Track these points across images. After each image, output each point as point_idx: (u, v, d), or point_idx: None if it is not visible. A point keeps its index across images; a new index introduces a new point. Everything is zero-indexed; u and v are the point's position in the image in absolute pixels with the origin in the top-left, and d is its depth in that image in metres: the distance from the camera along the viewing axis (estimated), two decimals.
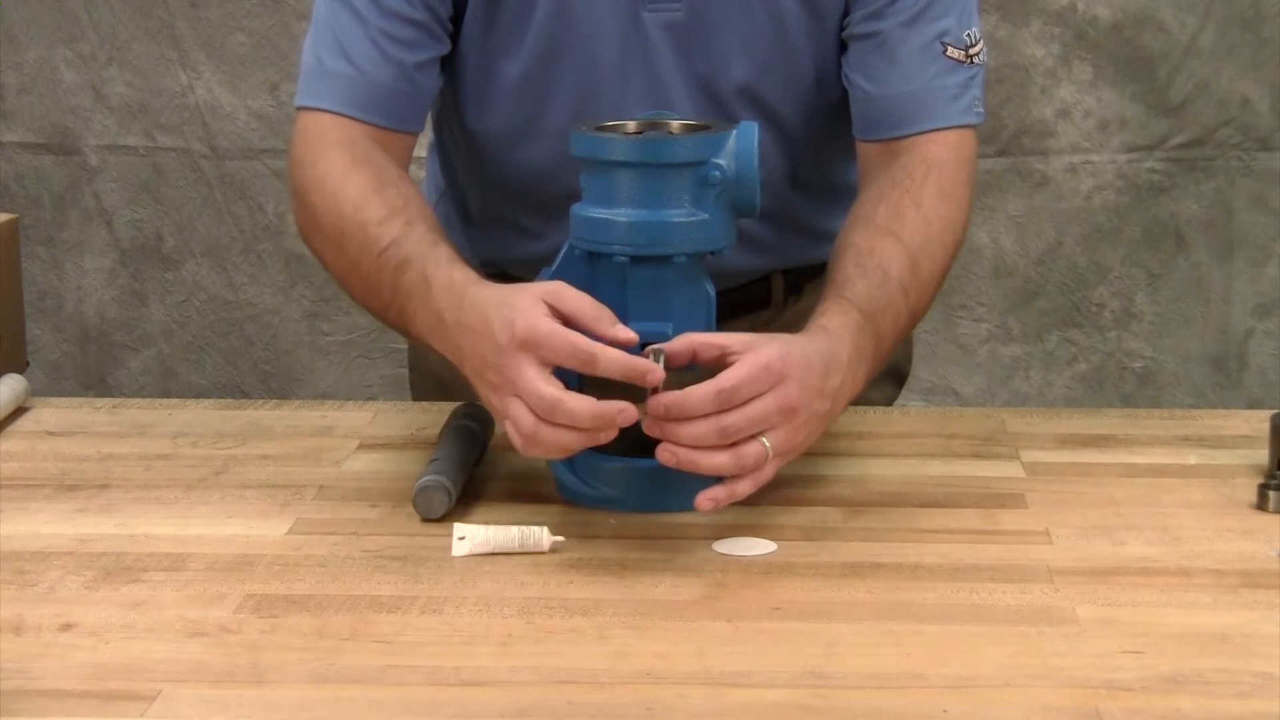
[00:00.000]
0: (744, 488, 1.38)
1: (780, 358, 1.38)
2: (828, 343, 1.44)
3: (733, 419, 1.36)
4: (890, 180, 1.60)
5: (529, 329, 1.37)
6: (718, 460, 1.37)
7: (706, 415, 1.36)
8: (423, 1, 1.62)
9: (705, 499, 1.38)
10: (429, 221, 1.55)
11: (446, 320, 1.45)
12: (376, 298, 1.54)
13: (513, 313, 1.38)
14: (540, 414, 1.36)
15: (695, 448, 1.36)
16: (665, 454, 1.37)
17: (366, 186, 1.56)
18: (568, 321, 1.39)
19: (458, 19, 1.65)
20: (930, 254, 1.56)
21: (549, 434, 1.36)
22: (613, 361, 1.36)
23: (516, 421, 1.37)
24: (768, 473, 1.40)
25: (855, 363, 1.46)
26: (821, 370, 1.41)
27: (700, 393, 1.36)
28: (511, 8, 1.63)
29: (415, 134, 1.67)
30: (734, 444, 1.37)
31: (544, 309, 1.38)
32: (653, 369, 1.36)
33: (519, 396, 1.37)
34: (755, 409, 1.37)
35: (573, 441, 1.37)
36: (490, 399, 1.42)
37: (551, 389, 1.35)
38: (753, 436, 1.37)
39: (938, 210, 1.58)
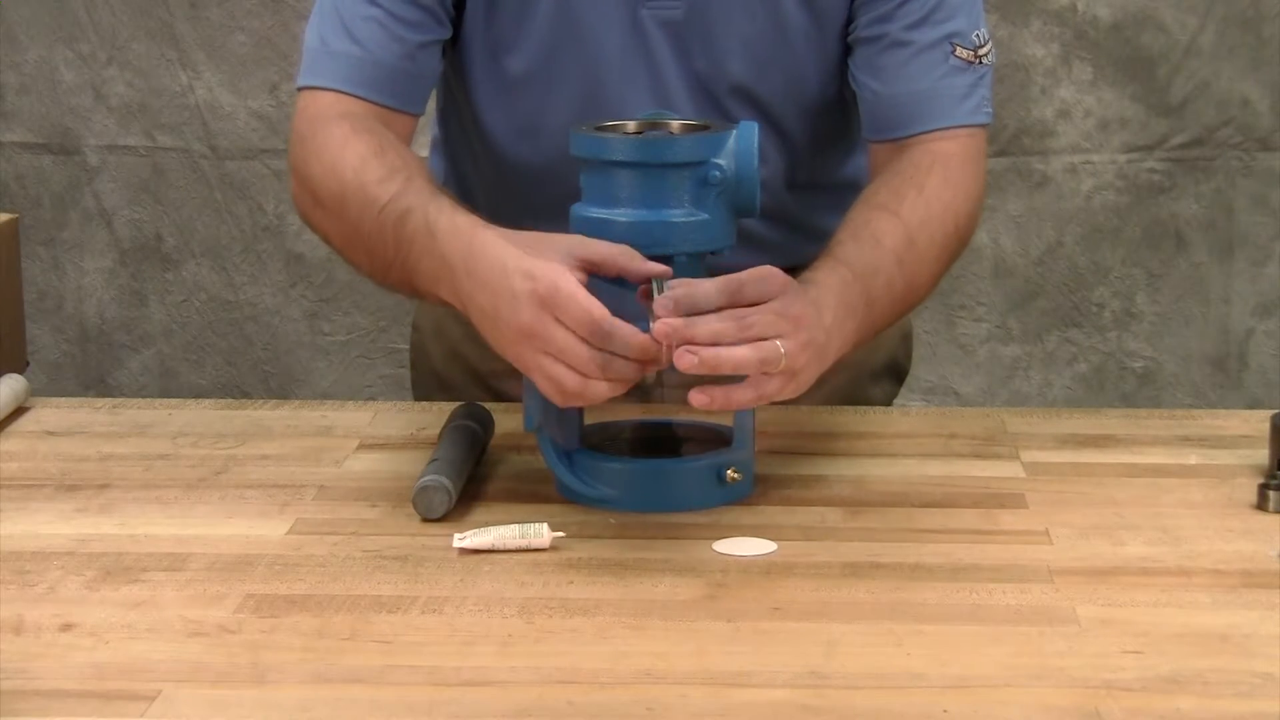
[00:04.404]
0: (742, 395, 1.36)
1: (777, 272, 1.39)
2: (814, 289, 1.43)
3: (749, 314, 1.36)
4: (894, 170, 1.60)
5: (551, 286, 1.36)
6: (740, 353, 1.35)
7: (716, 311, 1.35)
8: None
9: (698, 393, 1.35)
10: (428, 177, 1.55)
11: (455, 265, 1.43)
12: (381, 256, 1.53)
13: (533, 267, 1.37)
14: (586, 373, 1.35)
15: (714, 345, 1.35)
16: (686, 356, 1.34)
17: (366, 150, 1.55)
18: (597, 271, 1.38)
19: (460, 6, 1.66)
20: (929, 231, 1.56)
21: (595, 390, 1.36)
22: (628, 341, 1.35)
23: (557, 380, 1.36)
24: (773, 388, 1.37)
25: (842, 315, 1.45)
26: (815, 307, 1.41)
27: (707, 284, 1.36)
28: (510, 7, 1.63)
29: (415, 117, 1.67)
30: (752, 339, 1.36)
31: (565, 269, 1.37)
32: (660, 351, 1.35)
33: (554, 357, 1.36)
34: (767, 311, 1.37)
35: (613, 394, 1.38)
36: (508, 351, 1.39)
37: (593, 355, 1.35)
38: (766, 338, 1.36)
39: (940, 194, 1.58)
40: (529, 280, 1.36)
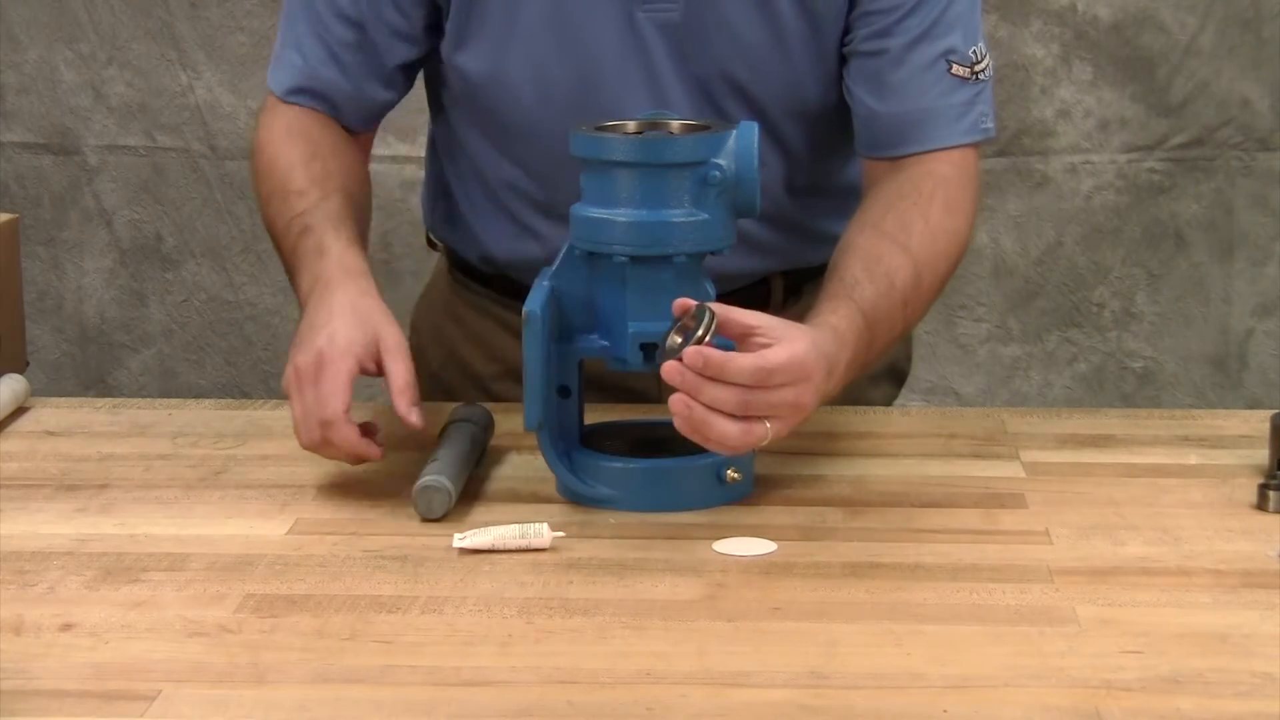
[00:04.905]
0: (712, 433, 1.38)
1: (813, 357, 1.40)
2: (836, 346, 1.44)
3: (755, 398, 1.37)
4: (897, 192, 1.60)
5: (318, 359, 1.47)
6: (728, 429, 1.37)
7: (733, 385, 1.36)
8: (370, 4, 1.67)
9: (679, 403, 1.37)
10: (345, 195, 1.64)
11: (315, 288, 1.54)
12: (282, 252, 1.65)
13: (332, 333, 1.48)
14: (308, 441, 1.49)
15: (710, 409, 1.37)
16: (680, 405, 1.37)
17: (297, 157, 1.66)
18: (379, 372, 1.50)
19: (439, 22, 1.66)
20: (934, 268, 1.57)
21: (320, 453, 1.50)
22: (340, 444, 1.46)
23: (295, 427, 1.49)
24: (745, 451, 1.42)
25: (848, 369, 1.47)
26: (827, 373, 1.42)
27: (741, 363, 1.37)
28: (497, 9, 1.63)
29: (362, 130, 1.74)
30: (745, 418, 1.37)
31: (349, 354, 1.47)
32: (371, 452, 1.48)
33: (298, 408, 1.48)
34: (776, 397, 1.38)
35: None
36: (286, 372, 1.50)
37: (317, 432, 1.47)
38: (760, 418, 1.38)
39: (944, 225, 1.59)
40: (318, 340, 1.48)
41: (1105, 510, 1.47)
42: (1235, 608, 1.29)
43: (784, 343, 1.39)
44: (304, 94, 1.70)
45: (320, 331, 1.48)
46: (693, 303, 1.39)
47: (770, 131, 1.66)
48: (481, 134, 1.72)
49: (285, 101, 1.70)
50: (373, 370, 1.49)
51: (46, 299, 3.05)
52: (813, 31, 1.63)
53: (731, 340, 1.39)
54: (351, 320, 1.49)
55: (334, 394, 1.46)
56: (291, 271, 1.62)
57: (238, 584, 1.33)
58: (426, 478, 1.45)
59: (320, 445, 1.48)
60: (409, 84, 1.73)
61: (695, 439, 1.39)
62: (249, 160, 1.74)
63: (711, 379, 1.36)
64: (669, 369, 1.37)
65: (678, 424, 1.38)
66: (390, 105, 1.74)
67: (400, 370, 1.49)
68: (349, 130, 1.72)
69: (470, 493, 1.50)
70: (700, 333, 1.37)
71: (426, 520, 1.44)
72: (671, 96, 1.63)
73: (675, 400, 1.37)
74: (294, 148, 1.67)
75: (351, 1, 1.67)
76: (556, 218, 1.67)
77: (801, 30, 1.63)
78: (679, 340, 1.38)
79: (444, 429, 1.56)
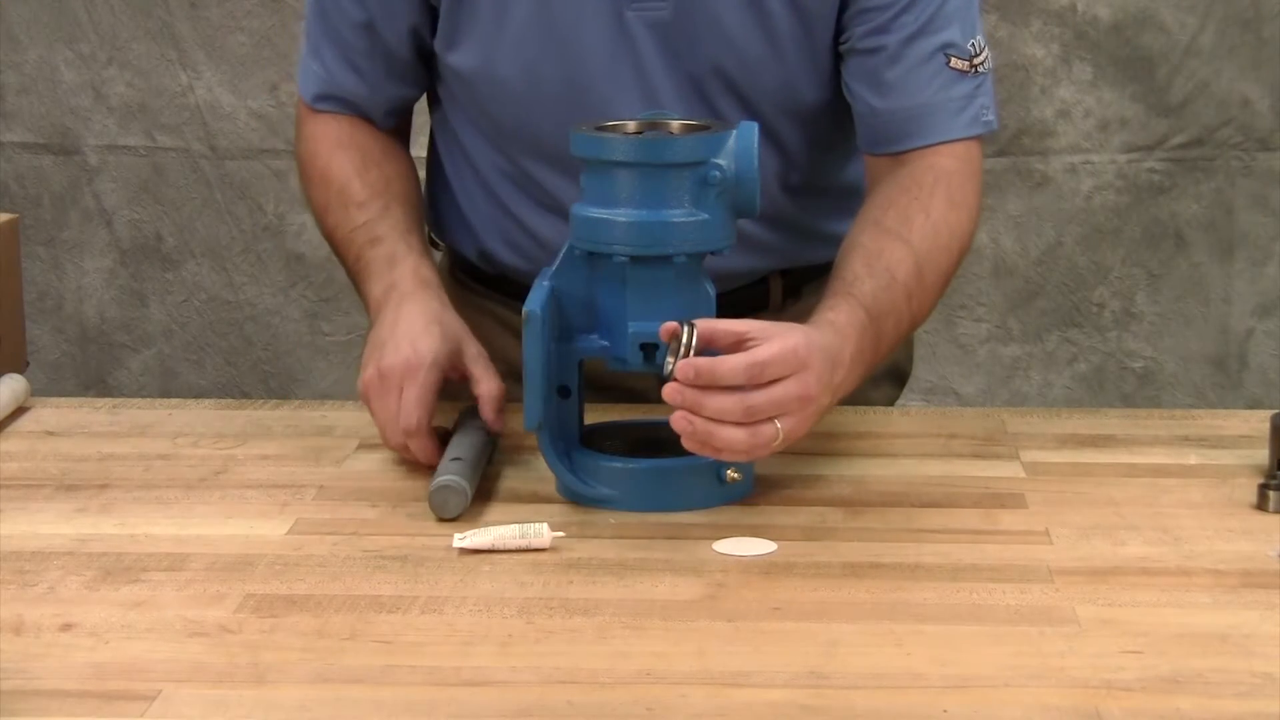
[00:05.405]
0: (720, 441, 1.37)
1: (805, 346, 1.39)
2: (836, 339, 1.44)
3: (757, 398, 1.37)
4: (899, 188, 1.60)
5: (395, 369, 1.52)
6: (734, 435, 1.37)
7: (732, 389, 1.36)
8: (365, 6, 1.68)
9: (681, 420, 1.37)
10: (405, 201, 1.69)
11: (390, 295, 1.59)
12: (342, 256, 1.70)
13: (403, 344, 1.53)
14: (390, 442, 1.55)
15: (714, 420, 1.36)
16: (682, 421, 1.37)
17: (351, 167, 1.70)
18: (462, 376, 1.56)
19: (433, 22, 1.67)
20: (936, 261, 1.57)
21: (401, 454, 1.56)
22: (420, 451, 1.52)
23: (379, 431, 1.54)
24: (763, 455, 1.40)
25: (855, 362, 1.46)
26: (829, 365, 1.42)
27: (732, 363, 1.36)
28: (486, 8, 1.63)
29: (392, 125, 1.76)
30: (751, 422, 1.37)
31: (423, 365, 1.51)
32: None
33: (376, 416, 1.54)
34: (778, 392, 1.37)
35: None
36: (361, 375, 1.56)
37: (399, 440, 1.53)
38: (768, 418, 1.37)
39: (946, 218, 1.58)
40: (403, 348, 1.53)
41: (1105, 510, 1.47)
42: (1235, 608, 1.29)
43: (775, 339, 1.38)
44: (330, 100, 1.73)
45: (404, 339, 1.53)
46: (677, 325, 1.39)
47: (765, 130, 1.65)
48: (476, 130, 1.72)
49: (315, 109, 1.73)
50: (455, 378, 1.56)
51: (46, 299, 3.06)
52: (804, 30, 1.63)
53: (724, 352, 1.39)
54: (436, 331, 1.55)
55: (419, 403, 1.51)
56: (358, 279, 1.66)
57: (238, 584, 1.33)
58: (443, 477, 1.45)
59: (403, 450, 1.53)
60: (429, 75, 1.73)
61: (706, 454, 1.38)
62: (298, 169, 1.77)
63: (708, 388, 1.36)
64: (667, 392, 1.37)
65: (685, 443, 1.38)
66: (413, 99, 1.77)
67: (487, 381, 1.55)
68: (380, 127, 1.74)
69: None
70: (683, 350, 1.37)
71: (441, 520, 1.44)
72: (662, 94, 1.63)
73: (676, 418, 1.37)
74: (346, 158, 1.70)
75: (358, 4, 1.67)
76: (553, 214, 1.67)
77: (793, 28, 1.63)
78: (672, 361, 1.38)
79: (458, 427, 1.56)
